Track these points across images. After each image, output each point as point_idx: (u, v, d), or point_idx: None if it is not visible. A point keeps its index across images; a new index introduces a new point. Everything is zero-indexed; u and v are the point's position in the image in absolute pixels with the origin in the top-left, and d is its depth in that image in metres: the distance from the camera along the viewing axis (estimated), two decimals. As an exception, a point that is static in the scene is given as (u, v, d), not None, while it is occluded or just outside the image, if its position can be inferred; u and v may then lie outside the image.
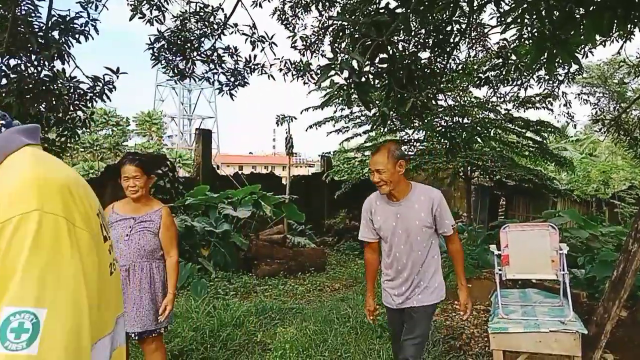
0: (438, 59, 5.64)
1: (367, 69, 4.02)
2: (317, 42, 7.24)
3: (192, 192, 8.47)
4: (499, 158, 9.44)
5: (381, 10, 3.74)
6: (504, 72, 7.14)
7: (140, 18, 5.75)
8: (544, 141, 10.16)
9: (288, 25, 7.49)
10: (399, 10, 3.69)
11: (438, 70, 5.69)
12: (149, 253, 2.85)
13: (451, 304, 5.30)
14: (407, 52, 5.02)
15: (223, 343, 4.01)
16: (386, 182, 2.62)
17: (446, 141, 7.95)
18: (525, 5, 2.89)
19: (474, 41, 7.81)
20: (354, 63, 3.53)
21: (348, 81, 3.92)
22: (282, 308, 5.10)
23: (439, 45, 5.17)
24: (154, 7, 5.80)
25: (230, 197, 8.51)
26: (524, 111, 9.73)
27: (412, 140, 10.71)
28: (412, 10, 3.79)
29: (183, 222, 6.86)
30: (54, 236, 0.72)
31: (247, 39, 6.43)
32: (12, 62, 4.72)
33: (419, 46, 5.48)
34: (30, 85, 4.72)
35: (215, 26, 6.54)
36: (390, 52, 4.27)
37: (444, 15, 5.06)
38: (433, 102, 5.89)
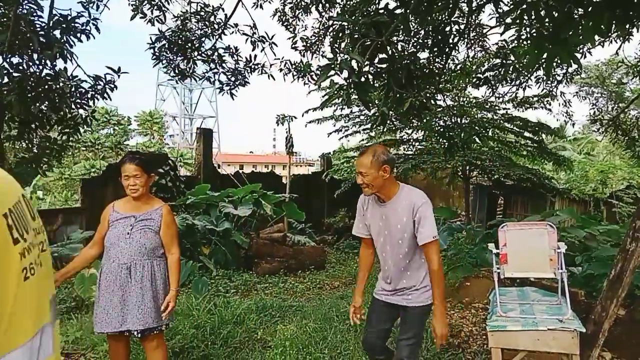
0: (437, 59, 5.68)
1: (366, 69, 4.05)
2: (317, 42, 7.27)
3: (193, 190, 8.50)
4: (497, 158, 9.48)
5: (380, 11, 3.77)
6: (502, 72, 7.18)
7: (141, 18, 5.78)
8: (542, 140, 10.20)
9: (288, 27, 7.53)
10: (398, 11, 3.72)
11: (437, 71, 5.72)
12: (150, 251, 2.88)
13: (449, 302, 5.34)
14: (406, 53, 5.06)
15: (224, 340, 4.04)
16: (368, 185, 2.63)
17: (445, 141, 7.98)
18: (524, 6, 2.92)
19: (472, 41, 7.84)
20: (354, 63, 3.57)
21: (348, 81, 3.96)
22: (283, 306, 5.14)
23: (438, 45, 5.20)
24: (155, 7, 5.83)
25: (231, 196, 8.55)
26: (523, 111, 9.77)
27: (411, 140, 10.75)
28: (412, 11, 3.83)
29: (184, 220, 6.89)
30: None
31: (247, 39, 6.46)
32: (14, 60, 4.76)
33: (418, 46, 5.51)
34: (32, 84, 4.75)
35: (216, 26, 6.57)
36: (390, 52, 4.30)
37: (443, 16, 5.10)
38: (432, 102, 5.93)
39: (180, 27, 6.40)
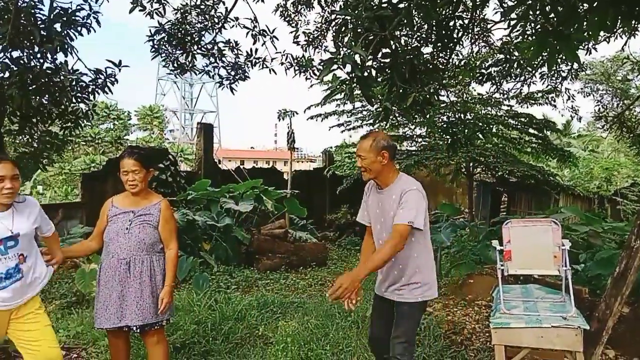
0: (440, 54, 5.63)
1: (369, 63, 4.01)
2: (319, 37, 7.21)
3: (194, 186, 8.47)
4: (501, 154, 9.43)
5: (384, 5, 3.72)
6: (506, 68, 7.12)
7: (140, 10, 5.72)
8: (547, 137, 10.14)
9: (290, 22, 7.47)
10: (401, 5, 3.67)
11: (441, 66, 5.67)
12: (149, 246, 2.85)
13: (452, 300, 5.32)
14: (409, 47, 5.00)
15: (225, 336, 4.02)
16: (366, 169, 2.65)
17: (448, 137, 7.93)
18: (529, 2, 2.87)
19: (476, 37, 7.77)
20: (357, 57, 3.53)
21: (350, 75, 3.92)
22: (284, 302, 5.11)
23: (442, 40, 5.14)
24: (154, 0, 5.77)
25: (232, 192, 8.51)
26: (528, 107, 9.70)
27: (414, 136, 10.70)
28: (415, 5, 3.77)
29: (185, 216, 6.87)
30: None
31: (248, 33, 6.40)
32: (15, 54, 4.72)
33: (422, 41, 5.46)
34: (33, 78, 4.72)
35: (216, 19, 6.51)
36: (393, 46, 4.25)
37: (447, 10, 5.04)
38: (435, 97, 5.88)
39: (180, 20, 6.34)
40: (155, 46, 6.06)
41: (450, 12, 5.09)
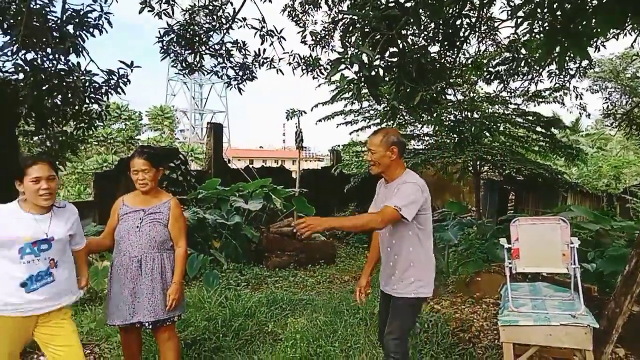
0: (447, 53, 5.63)
1: (377, 62, 4.04)
2: (327, 37, 7.25)
3: (204, 185, 8.56)
4: (508, 152, 9.40)
5: (391, 4, 3.75)
6: (514, 67, 7.10)
7: (149, 11, 5.79)
8: (554, 135, 10.08)
9: (298, 22, 7.51)
10: (408, 4, 3.69)
11: (448, 65, 5.68)
12: (160, 244, 2.91)
13: (460, 297, 5.33)
14: (417, 46, 5.02)
15: (235, 333, 4.08)
16: (375, 163, 2.74)
17: (455, 135, 7.93)
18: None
19: (483, 35, 7.76)
20: (364, 57, 3.56)
21: (358, 75, 3.95)
22: (293, 299, 5.17)
23: (449, 39, 5.15)
24: (163, 1, 5.84)
25: (241, 190, 8.59)
26: (536, 105, 9.66)
27: (421, 135, 10.69)
28: (422, 4, 3.79)
29: (195, 214, 6.94)
30: None
31: (256, 33, 6.45)
32: (29, 56, 4.81)
33: (429, 40, 5.47)
34: (46, 79, 4.80)
35: (224, 20, 6.57)
36: (400, 46, 4.28)
37: (454, 9, 5.05)
38: (442, 96, 5.89)
39: (188, 20, 6.40)
40: (165, 47, 6.13)
41: (457, 10, 5.10)
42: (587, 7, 2.71)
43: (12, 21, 4.72)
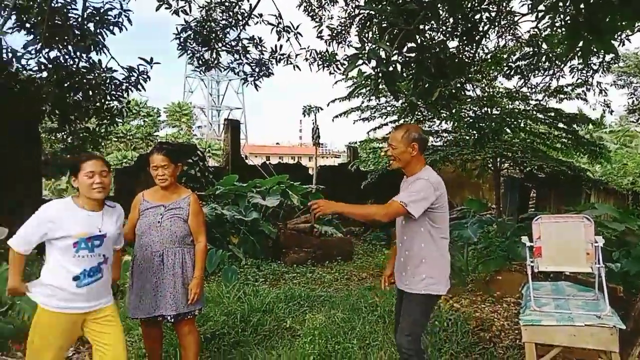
0: (466, 48, 5.55)
1: (395, 58, 3.99)
2: (343, 32, 7.21)
3: (222, 181, 8.62)
4: (529, 149, 9.23)
5: (409, -1, 3.69)
6: (534, 62, 6.95)
7: (166, 8, 5.84)
8: (577, 132, 9.85)
9: (314, 17, 7.48)
10: (427, -1, 3.64)
11: (467, 60, 5.59)
12: (180, 239, 2.94)
13: (480, 296, 5.27)
14: (435, 41, 4.95)
15: (253, 328, 4.10)
16: (395, 158, 2.75)
17: (474, 132, 7.81)
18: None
19: (503, 30, 7.62)
20: (382, 52, 3.52)
21: (376, 70, 3.91)
22: (311, 295, 5.17)
23: (468, 33, 5.07)
24: (180, -2, 5.88)
25: (258, 187, 8.63)
26: (559, 102, 9.45)
27: (440, 131, 10.57)
28: (441, -2, 3.74)
29: (213, 210, 7.00)
30: None
31: (272, 29, 6.46)
32: (52, 54, 4.91)
33: (447, 35, 5.40)
34: (68, 76, 4.90)
35: (240, 16, 6.59)
36: (419, 41, 4.22)
37: (473, 3, 4.96)
38: (461, 92, 5.81)
39: (205, 17, 6.44)
40: (182, 44, 6.18)
41: (476, 4, 5.01)
42: (612, 0, 2.63)
43: (34, 20, 4.82)
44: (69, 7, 4.92)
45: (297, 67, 6.93)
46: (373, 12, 4.00)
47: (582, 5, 2.68)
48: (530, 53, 6.78)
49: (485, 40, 6.68)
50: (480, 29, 5.26)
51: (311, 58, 6.87)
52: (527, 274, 3.28)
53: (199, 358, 3.16)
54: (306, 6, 7.43)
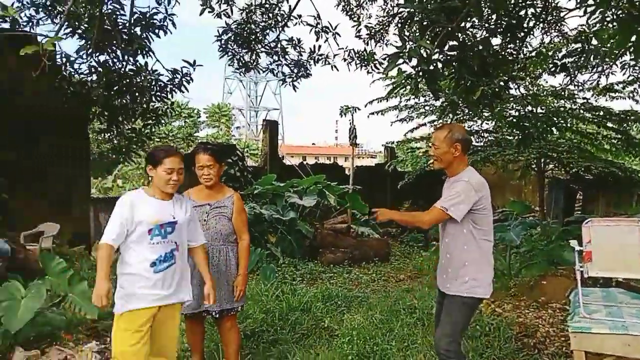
0: (510, 45, 5.39)
1: (436, 56, 3.93)
2: (381, 30, 7.15)
3: (260, 180, 8.75)
4: (576, 149, 8.87)
5: (451, -4, 3.63)
6: (582, 59, 6.66)
7: (209, 12, 5.98)
8: (628, 131, 9.37)
9: (352, 16, 7.46)
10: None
11: (510, 57, 5.43)
12: (225, 237, 3.01)
13: (523, 301, 5.10)
14: (478, 39, 4.83)
15: (292, 326, 4.13)
16: (437, 159, 2.72)
17: (518, 132, 7.57)
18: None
19: (549, 25, 7.34)
20: (423, 51, 3.47)
21: (416, 69, 3.85)
22: (348, 296, 5.16)
23: (512, 30, 4.93)
24: (223, 1, 6.01)
25: (296, 186, 8.70)
26: (609, 100, 9.02)
27: (480, 131, 10.33)
28: (485, -6, 3.65)
29: (252, 209, 7.11)
30: None
31: (311, 30, 6.49)
32: (101, 58, 5.12)
33: (490, 32, 5.26)
34: (116, 79, 5.10)
35: (279, 18, 6.66)
36: (461, 39, 4.13)
37: (518, -1, 4.82)
38: (505, 90, 5.65)
39: (245, 19, 6.55)
40: (223, 46, 6.31)
41: (521, 0, 4.86)
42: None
43: (86, 26, 5.04)
44: (118, 13, 5.12)
45: (335, 67, 6.94)
46: (414, 10, 3.94)
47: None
48: (579, 49, 6.50)
49: (530, 38, 6.47)
50: (525, 25, 5.09)
51: (349, 58, 6.86)
52: (575, 279, 3.15)
53: (239, 354, 3.22)
54: (344, 6, 7.43)
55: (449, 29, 3.70)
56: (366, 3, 7.50)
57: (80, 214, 8.06)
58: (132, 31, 5.19)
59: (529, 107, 8.49)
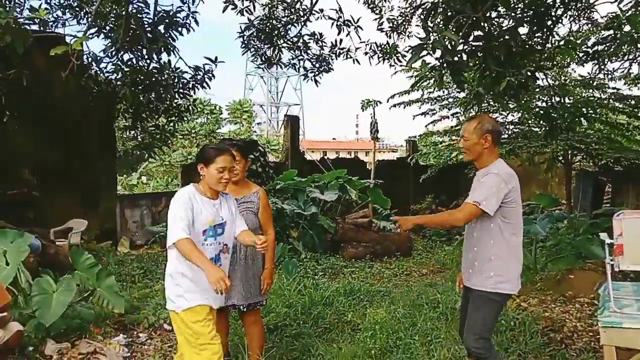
0: (537, 35, 5.25)
1: (461, 47, 3.86)
2: (404, 23, 7.06)
3: (281, 176, 8.80)
4: (605, 141, 8.60)
5: (477, -16, 3.55)
6: (613, 46, 6.43)
7: (232, 9, 6.01)
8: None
9: (374, 9, 7.39)
10: (496, -17, 3.49)
11: (538, 47, 5.29)
12: (252, 231, 3.03)
13: (550, 295, 5.00)
14: (504, 28, 4.72)
15: (314, 320, 4.16)
16: (466, 151, 2.67)
17: (544, 123, 7.38)
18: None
19: (578, 13, 7.11)
20: (447, 42, 3.41)
21: (441, 61, 3.79)
22: (370, 290, 5.15)
23: (539, 19, 4.79)
24: (245, -3, 6.03)
25: (317, 181, 8.72)
26: (640, 89, 8.71)
27: (506, 123, 10.11)
28: (512, -18, 3.57)
29: (274, 204, 7.15)
30: None
31: (333, 24, 6.46)
32: (126, 56, 5.22)
33: (517, 22, 5.14)
34: (141, 77, 5.19)
35: (301, 12, 6.65)
36: (486, 29, 4.04)
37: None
38: (532, 81, 5.51)
39: (267, 15, 6.56)
40: (245, 42, 6.35)
41: (550, -13, 4.73)
42: None
43: (112, 25, 5.14)
44: (143, 13, 5.21)
45: (357, 60, 6.90)
46: (438, 0, 3.88)
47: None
48: (609, 37, 6.29)
49: (558, 27, 6.29)
50: (553, 13, 4.95)
51: (371, 51, 6.80)
52: (605, 273, 3.06)
53: (263, 348, 3.26)
54: (366, -1, 7.36)
55: (474, 18, 3.63)
56: (388, -5, 7.42)
57: (107, 211, 8.27)
58: (157, 29, 5.27)
59: (557, 98, 8.27)
